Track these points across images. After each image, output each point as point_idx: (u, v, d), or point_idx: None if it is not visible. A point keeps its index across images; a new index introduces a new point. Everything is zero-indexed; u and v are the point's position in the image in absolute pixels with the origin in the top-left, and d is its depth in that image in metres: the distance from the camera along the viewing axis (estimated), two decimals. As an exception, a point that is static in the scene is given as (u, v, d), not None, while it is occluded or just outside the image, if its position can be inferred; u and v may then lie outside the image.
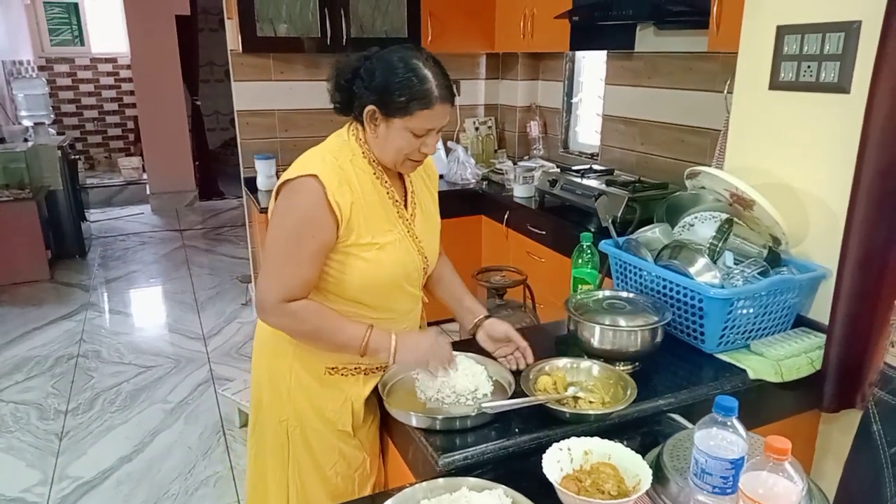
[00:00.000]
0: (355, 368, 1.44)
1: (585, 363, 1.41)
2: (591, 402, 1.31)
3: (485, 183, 3.78)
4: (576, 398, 1.31)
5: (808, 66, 1.59)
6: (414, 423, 1.27)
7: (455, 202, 3.65)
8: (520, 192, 3.38)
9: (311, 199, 1.30)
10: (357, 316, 1.40)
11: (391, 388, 1.41)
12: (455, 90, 1.35)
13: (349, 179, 1.34)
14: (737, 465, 0.96)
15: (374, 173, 1.39)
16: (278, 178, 1.46)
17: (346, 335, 1.35)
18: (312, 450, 1.47)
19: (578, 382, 1.37)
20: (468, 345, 1.52)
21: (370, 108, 1.32)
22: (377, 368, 1.45)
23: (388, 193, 1.41)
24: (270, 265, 1.35)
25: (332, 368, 1.44)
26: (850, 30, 1.49)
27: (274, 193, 1.37)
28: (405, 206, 1.45)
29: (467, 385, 1.33)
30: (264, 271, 1.37)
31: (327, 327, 1.35)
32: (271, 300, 1.33)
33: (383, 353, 1.35)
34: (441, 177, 3.87)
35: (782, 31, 1.64)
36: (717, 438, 0.96)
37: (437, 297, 1.63)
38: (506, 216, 3.40)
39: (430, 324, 1.69)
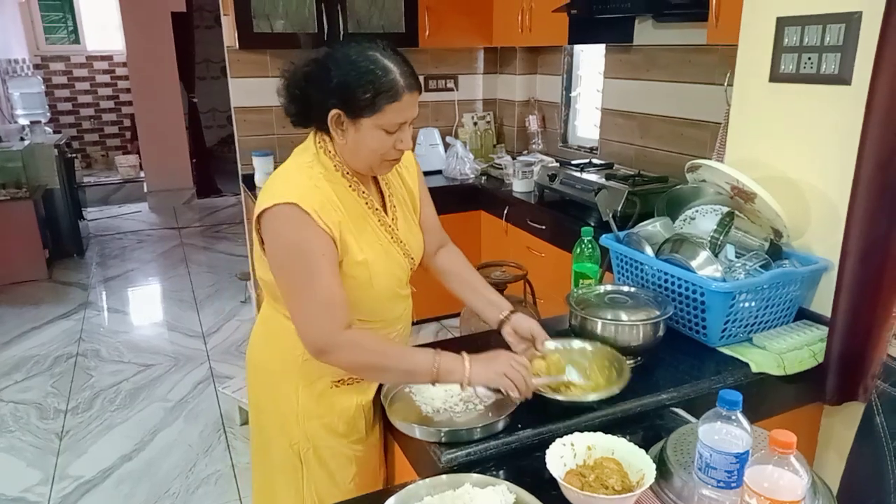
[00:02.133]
0: None
1: (577, 343, 1.41)
2: (584, 389, 1.32)
3: (484, 178, 3.77)
4: (568, 385, 1.32)
5: (809, 58, 1.58)
6: (417, 434, 1.24)
7: (454, 197, 3.63)
8: (519, 186, 3.36)
9: (298, 225, 1.20)
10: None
11: (392, 397, 1.38)
12: (418, 76, 1.25)
13: (330, 199, 1.25)
14: (742, 459, 0.95)
15: (350, 185, 1.31)
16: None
17: (412, 362, 1.25)
18: (329, 467, 1.42)
19: (573, 362, 1.37)
20: (456, 344, 1.51)
21: (334, 112, 1.22)
22: None
23: (367, 204, 1.33)
24: (300, 303, 1.23)
25: (339, 381, 1.39)
26: (851, 21, 1.48)
27: (255, 228, 1.27)
28: (385, 211, 1.39)
29: (470, 391, 1.31)
30: (298, 315, 1.24)
31: (393, 354, 1.28)
32: (327, 334, 1.22)
33: (457, 375, 1.24)
34: (439, 172, 3.87)
35: (782, 23, 1.63)
36: (722, 433, 0.96)
37: (453, 291, 1.55)
38: (505, 211, 3.39)
39: (420, 321, 1.66)
